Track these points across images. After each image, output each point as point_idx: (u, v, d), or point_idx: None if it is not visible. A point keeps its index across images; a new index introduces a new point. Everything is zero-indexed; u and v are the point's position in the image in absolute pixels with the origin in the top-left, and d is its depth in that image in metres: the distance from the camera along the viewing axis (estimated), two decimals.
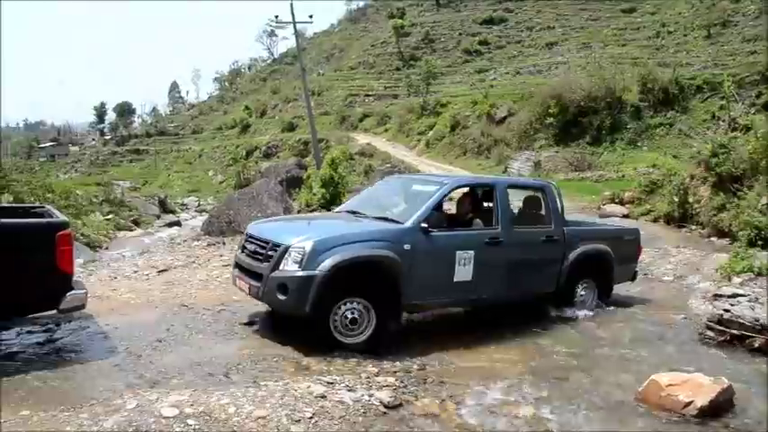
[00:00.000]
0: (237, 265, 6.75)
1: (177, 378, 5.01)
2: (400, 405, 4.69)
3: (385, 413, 4.55)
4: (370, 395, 4.76)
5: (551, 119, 32.07)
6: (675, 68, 33.07)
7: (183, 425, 4.00)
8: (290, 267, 5.83)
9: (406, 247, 6.16)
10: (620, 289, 8.61)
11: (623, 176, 23.69)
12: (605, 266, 8.02)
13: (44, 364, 5.22)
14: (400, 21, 66.78)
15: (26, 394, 4.52)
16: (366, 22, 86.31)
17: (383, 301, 6.07)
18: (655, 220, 15.23)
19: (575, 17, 61.03)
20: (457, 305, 7.47)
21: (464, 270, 6.56)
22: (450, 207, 8.16)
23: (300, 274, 5.75)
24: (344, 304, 5.91)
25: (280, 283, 5.83)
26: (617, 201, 17.58)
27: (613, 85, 31.58)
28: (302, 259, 5.78)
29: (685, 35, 46.33)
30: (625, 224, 13.98)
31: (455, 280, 6.55)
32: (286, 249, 5.90)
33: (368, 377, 5.20)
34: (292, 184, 28.51)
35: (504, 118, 36.28)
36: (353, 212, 7.29)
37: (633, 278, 8.76)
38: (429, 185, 7.08)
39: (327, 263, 5.75)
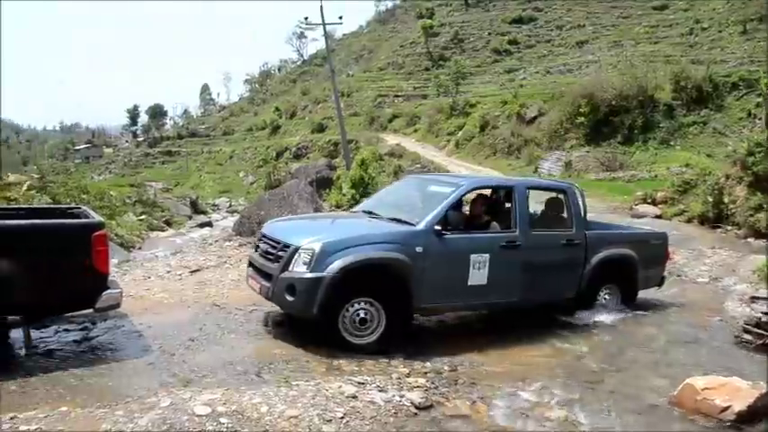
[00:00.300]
0: (251, 264, 6.79)
1: (210, 377, 5.06)
2: (431, 406, 4.69)
3: (416, 414, 4.55)
4: (401, 396, 4.77)
5: (582, 118, 31.70)
6: (710, 66, 32.45)
7: (215, 423, 4.04)
8: (298, 268, 5.84)
9: (418, 249, 6.09)
10: (653, 291, 8.47)
11: (656, 176, 23.32)
12: (629, 271, 7.78)
13: (81, 361, 5.33)
14: (429, 21, 66.62)
15: (64, 391, 4.61)
16: (395, 22, 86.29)
17: (393, 303, 6.02)
18: (688, 221, 14.97)
19: (605, 15, 60.28)
20: (471, 309, 7.38)
21: (479, 274, 6.44)
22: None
23: (309, 275, 5.75)
24: (354, 305, 5.89)
25: (288, 284, 5.83)
26: (649, 201, 17.31)
27: (645, 83, 31.10)
28: (311, 261, 5.77)
29: (720, 31, 45.42)
30: (657, 224, 13.79)
31: (469, 284, 6.43)
32: (295, 250, 5.91)
33: (399, 378, 5.20)
34: (322, 184, 28.65)
35: (535, 118, 35.98)
36: (369, 213, 7.24)
37: (660, 284, 8.41)
38: (445, 186, 6.96)
39: (336, 265, 5.73)
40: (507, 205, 7.27)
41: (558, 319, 7.27)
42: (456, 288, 6.44)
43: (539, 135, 34.15)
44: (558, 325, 7.14)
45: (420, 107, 51.47)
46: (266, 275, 6.21)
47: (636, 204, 17.38)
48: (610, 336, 6.96)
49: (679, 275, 10.01)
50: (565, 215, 7.47)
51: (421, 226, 6.26)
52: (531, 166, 31.66)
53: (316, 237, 6.04)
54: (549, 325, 7.11)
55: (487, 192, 7.80)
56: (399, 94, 58.77)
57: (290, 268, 5.89)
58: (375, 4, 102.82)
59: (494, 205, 7.51)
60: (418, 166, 35.60)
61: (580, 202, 7.50)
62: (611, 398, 5.16)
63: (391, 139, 45.69)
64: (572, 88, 35.10)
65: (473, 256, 6.41)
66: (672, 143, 29.16)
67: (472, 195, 7.46)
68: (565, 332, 6.97)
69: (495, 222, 7.03)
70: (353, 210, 8.55)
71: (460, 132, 41.37)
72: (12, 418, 3.96)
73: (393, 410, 4.52)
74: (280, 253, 6.09)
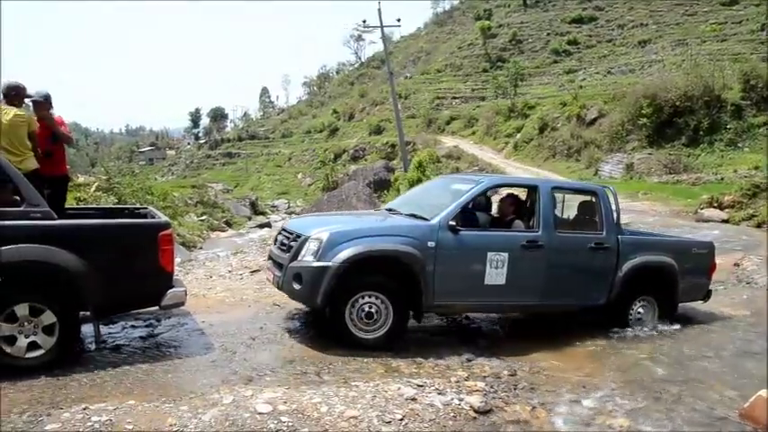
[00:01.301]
0: (269, 257, 6.88)
1: (270, 375, 5.13)
2: (490, 411, 4.63)
3: (475, 418, 4.51)
4: (461, 399, 4.73)
5: (644, 119, 30.90)
6: None
7: (276, 421, 4.09)
8: (307, 258, 5.85)
9: (431, 244, 5.98)
10: (721, 298, 8.16)
11: (722, 179, 22.57)
12: (668, 282, 7.26)
13: (146, 357, 5.47)
14: (487, 22, 66.21)
15: (131, 385, 4.76)
16: (452, 24, 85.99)
17: (402, 298, 5.97)
18: (758, 226, 14.40)
19: (669, 13, 58.61)
20: (488, 310, 7.25)
21: (496, 273, 6.26)
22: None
23: (315, 264, 5.75)
24: (361, 298, 5.86)
25: (296, 272, 5.86)
26: (716, 205, 16.71)
27: (712, 83, 30.10)
28: (318, 250, 5.78)
29: None
30: (724, 229, 13.33)
31: (486, 283, 6.25)
32: (305, 240, 5.94)
33: (458, 381, 5.16)
34: (380, 186, 28.77)
35: (595, 119, 35.33)
36: (390, 210, 7.27)
37: (705, 298, 7.80)
38: (466, 184, 6.86)
39: (343, 254, 5.71)
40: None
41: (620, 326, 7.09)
42: (471, 287, 6.30)
43: (599, 137, 33.49)
44: (622, 330, 6.97)
45: (478, 109, 51.23)
46: (279, 265, 6.28)
47: (701, 208, 16.82)
48: (675, 343, 6.75)
49: (748, 282, 9.63)
50: (596, 218, 7.15)
51: (435, 221, 6.16)
52: (591, 169, 31.08)
53: (326, 227, 6.08)
54: (611, 331, 6.95)
55: (522, 192, 7.66)
56: (457, 95, 58.62)
57: (298, 258, 5.93)
58: (432, 5, 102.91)
59: (522, 205, 7.36)
60: (476, 168, 35.39)
61: (612, 205, 7.17)
62: (677, 408, 4.99)
63: (449, 141, 45.62)
64: (634, 89, 34.29)
65: (490, 255, 6.25)
66: (740, 145, 28.16)
67: (501, 195, 7.36)
68: (627, 338, 6.81)
69: (519, 221, 6.90)
70: (378, 208, 8.55)
71: (519, 134, 40.99)
72: (84, 409, 4.10)
73: (452, 414, 4.49)
74: (291, 243, 6.14)
